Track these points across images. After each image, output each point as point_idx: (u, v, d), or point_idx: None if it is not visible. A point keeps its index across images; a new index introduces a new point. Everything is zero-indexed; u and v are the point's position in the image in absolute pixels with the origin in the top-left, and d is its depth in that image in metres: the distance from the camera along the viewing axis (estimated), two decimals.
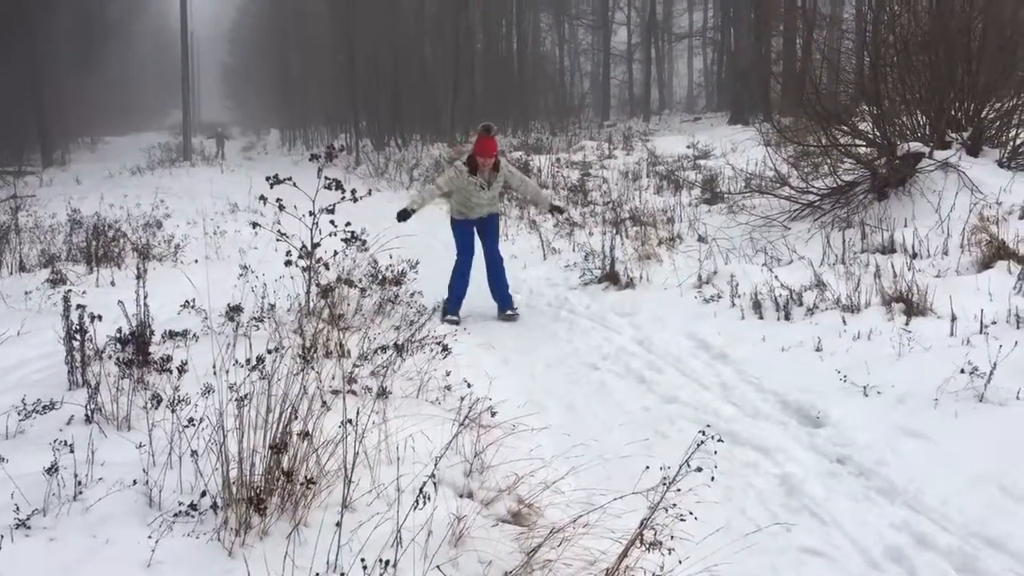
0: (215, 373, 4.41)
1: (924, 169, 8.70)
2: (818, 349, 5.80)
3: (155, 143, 42.54)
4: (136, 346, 5.04)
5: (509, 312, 7.72)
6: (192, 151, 36.22)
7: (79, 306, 4.79)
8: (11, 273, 9.38)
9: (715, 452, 3.29)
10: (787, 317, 6.55)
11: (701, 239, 9.35)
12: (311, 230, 6.09)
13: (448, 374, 5.18)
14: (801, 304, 6.63)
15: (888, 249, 7.63)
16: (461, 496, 3.87)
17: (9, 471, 3.36)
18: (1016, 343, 5.11)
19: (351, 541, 3.11)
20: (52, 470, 3.28)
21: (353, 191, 6.05)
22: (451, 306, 7.57)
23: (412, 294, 6.78)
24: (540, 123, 30.09)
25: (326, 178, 5.85)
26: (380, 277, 6.99)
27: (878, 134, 9.53)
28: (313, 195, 5.81)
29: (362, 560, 2.50)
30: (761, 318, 6.66)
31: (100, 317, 4.75)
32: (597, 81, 43.33)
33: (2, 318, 7.17)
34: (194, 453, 3.42)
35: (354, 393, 4.67)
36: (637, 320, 7.10)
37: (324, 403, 3.88)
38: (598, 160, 17.10)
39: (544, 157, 17.62)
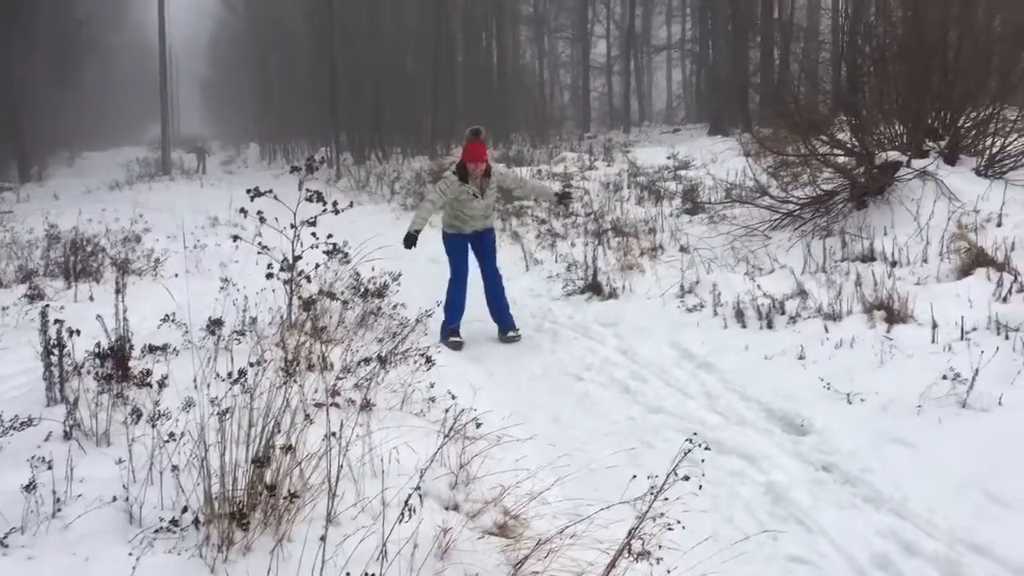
0: (196, 387, 4.37)
1: (902, 178, 8.76)
2: (801, 357, 5.81)
3: (134, 158, 42.29)
4: (115, 361, 4.98)
5: (511, 334, 7.28)
6: (171, 165, 36.02)
7: (57, 321, 4.73)
8: None
9: (702, 460, 3.29)
10: (770, 326, 6.57)
11: (683, 249, 9.37)
12: (292, 243, 6.05)
13: (432, 386, 5.15)
14: (783, 313, 6.65)
15: (868, 257, 7.67)
16: (447, 508, 3.83)
17: None
18: (997, 349, 5.15)
19: (336, 556, 3.07)
20: (30, 487, 3.23)
21: (335, 203, 6.02)
22: (450, 324, 7.21)
23: (395, 306, 6.75)
24: (521, 135, 30.13)
25: (307, 190, 5.82)
26: (362, 289, 6.94)
27: (856, 144, 9.59)
28: (294, 208, 5.78)
29: (347, 574, 2.47)
30: (744, 327, 6.68)
31: (79, 332, 4.69)
32: (577, 93, 43.49)
33: None
34: (175, 468, 3.37)
35: (337, 406, 4.63)
36: (620, 330, 7.10)
37: (307, 416, 3.84)
38: (579, 171, 17.13)
39: (525, 169, 17.63)
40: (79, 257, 9.84)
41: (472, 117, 31.95)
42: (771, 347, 6.06)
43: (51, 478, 3.35)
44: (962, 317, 5.80)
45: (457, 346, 7.00)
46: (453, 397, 5.02)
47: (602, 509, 3.20)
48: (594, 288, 8.36)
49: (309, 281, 6.36)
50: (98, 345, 5.05)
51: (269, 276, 6.08)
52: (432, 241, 12.56)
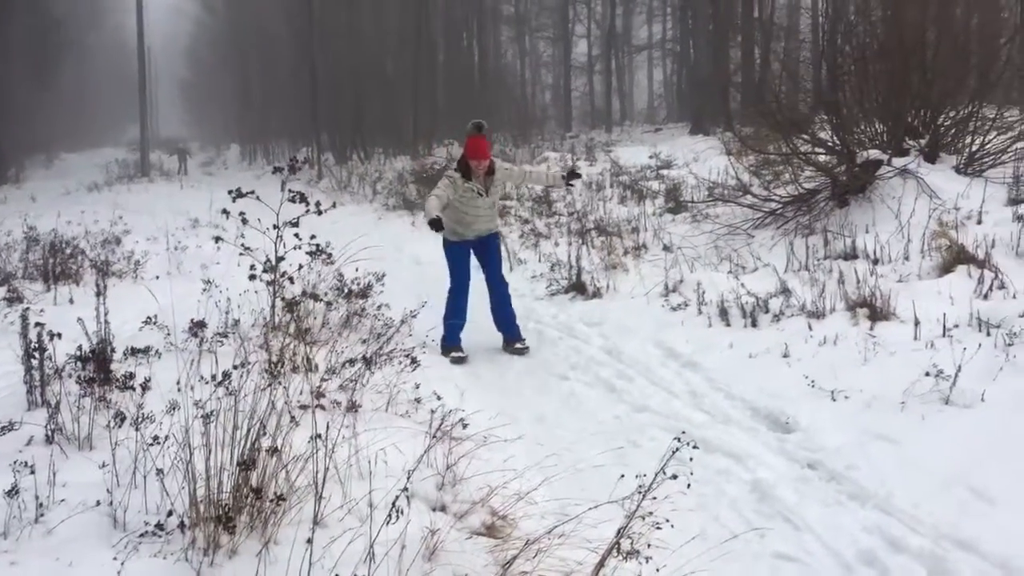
0: (179, 390, 4.34)
1: (883, 176, 8.82)
2: (785, 355, 5.83)
3: (112, 159, 41.94)
4: (97, 364, 4.94)
5: (519, 345, 6.84)
6: (151, 167, 35.77)
7: (37, 324, 4.68)
8: None
9: (691, 459, 3.28)
10: (754, 324, 6.58)
11: (666, 248, 9.39)
12: (275, 244, 6.02)
13: (418, 387, 5.14)
14: (767, 311, 6.67)
15: (850, 255, 7.70)
16: (434, 509, 3.82)
17: None
18: (980, 346, 5.18)
19: (323, 558, 3.06)
20: (12, 492, 3.19)
21: (318, 204, 5.99)
22: (451, 339, 6.81)
23: (379, 307, 6.71)
24: (503, 135, 30.13)
25: (290, 191, 5.79)
26: (346, 290, 6.91)
27: (838, 142, 9.65)
28: (277, 208, 5.75)
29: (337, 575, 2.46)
30: (728, 325, 6.69)
31: (59, 335, 4.65)
32: (559, 93, 43.50)
33: None
34: (159, 472, 3.34)
35: (322, 407, 4.61)
36: (605, 329, 7.10)
37: (293, 418, 3.82)
38: (562, 171, 17.13)
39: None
40: (58, 259, 9.75)
41: (454, 117, 31.94)
42: (755, 345, 6.08)
43: (34, 483, 3.32)
44: (944, 314, 5.84)
45: (460, 361, 6.66)
46: (439, 398, 5.02)
47: (590, 508, 3.20)
48: (578, 287, 8.36)
49: (292, 282, 6.33)
50: (79, 348, 5.01)
51: (252, 277, 6.04)
52: (414, 241, 12.60)
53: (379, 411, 4.85)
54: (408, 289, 8.23)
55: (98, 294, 5.29)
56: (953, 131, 9.59)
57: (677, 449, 2.79)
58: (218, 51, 51.99)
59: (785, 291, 6.93)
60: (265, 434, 3.43)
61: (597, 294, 8.17)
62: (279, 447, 3.38)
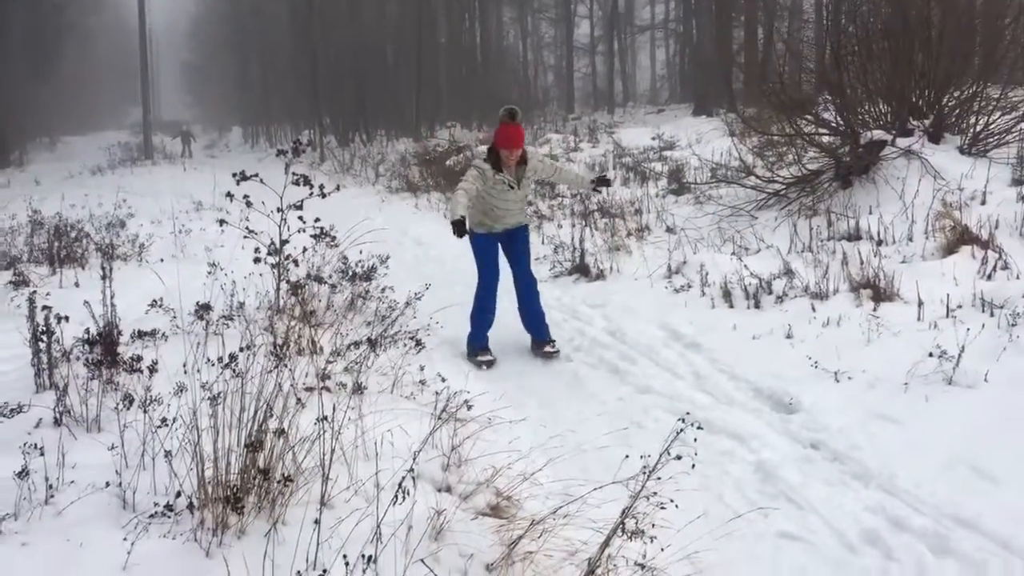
0: (186, 372, 4.37)
1: (887, 156, 8.80)
2: (789, 336, 5.85)
3: (115, 142, 41.93)
4: (104, 347, 4.97)
5: (549, 348, 6.28)
6: (153, 149, 35.73)
7: (44, 307, 4.70)
8: None
9: (695, 440, 3.31)
10: (757, 305, 6.59)
11: (669, 230, 9.39)
12: (279, 227, 6.04)
13: (422, 369, 5.16)
14: (770, 292, 6.67)
15: (854, 236, 7.70)
16: (440, 490, 3.85)
17: None
18: (983, 326, 5.20)
19: (330, 538, 3.09)
20: (22, 474, 3.22)
21: (321, 187, 6.02)
22: (478, 340, 6.30)
23: (383, 289, 6.73)
24: None
25: (293, 174, 5.81)
26: (350, 273, 6.93)
27: (841, 123, 9.62)
28: (280, 191, 5.77)
29: (344, 556, 2.48)
30: (731, 307, 6.71)
31: (67, 318, 4.67)
32: (561, 74, 43.34)
33: None
34: (168, 453, 3.37)
35: (328, 390, 4.64)
36: (608, 311, 7.11)
37: (299, 400, 3.85)
38: (564, 153, 17.11)
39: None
40: (63, 243, 9.77)
41: (456, 98, 31.89)
42: (759, 326, 6.09)
43: (43, 464, 3.35)
44: (947, 295, 5.85)
45: (489, 365, 6.14)
46: (443, 380, 5.04)
47: (595, 489, 3.23)
48: (581, 270, 8.36)
49: (297, 265, 6.36)
50: (86, 331, 5.04)
51: (257, 260, 6.07)
52: (417, 223, 12.60)
53: (384, 393, 4.88)
54: (412, 271, 8.26)
55: (103, 277, 5.31)
56: (957, 111, 9.55)
57: (681, 430, 2.82)
58: (220, 33, 51.83)
59: (788, 272, 6.94)
60: (272, 416, 3.45)
61: (600, 276, 8.18)
62: (286, 429, 3.41)
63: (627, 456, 3.30)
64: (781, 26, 19.93)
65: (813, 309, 6.19)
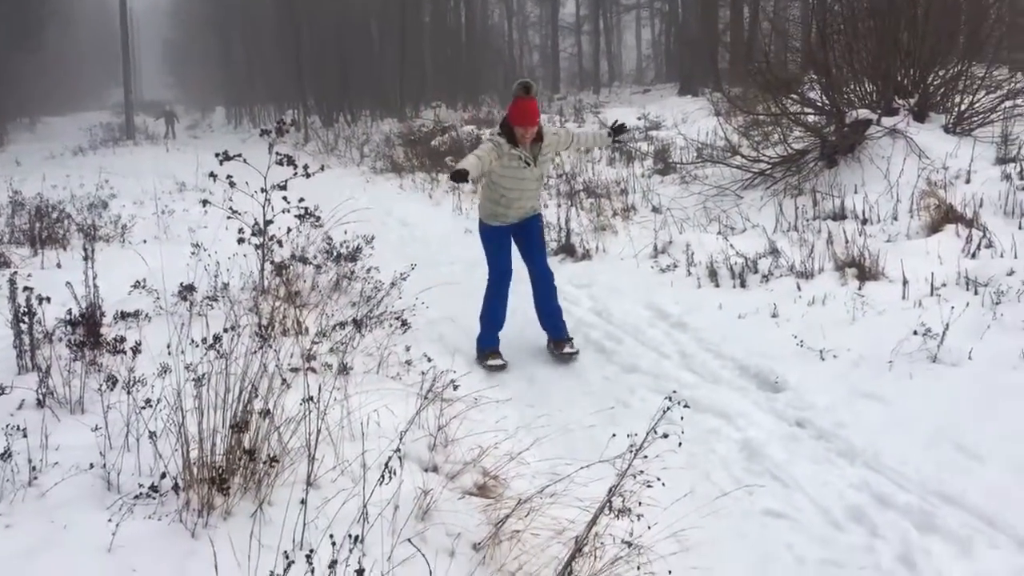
0: (170, 353, 4.34)
1: (872, 136, 8.80)
2: (774, 315, 5.86)
3: (96, 122, 41.54)
4: (87, 328, 4.93)
5: (568, 349, 5.81)
6: (135, 130, 35.43)
7: (26, 288, 4.66)
8: None
9: (681, 418, 3.31)
10: (743, 284, 6.60)
11: (655, 209, 9.38)
12: (263, 207, 5.99)
13: (408, 349, 5.14)
14: (756, 271, 6.68)
15: (839, 215, 7.71)
16: (426, 470, 3.85)
17: None
18: (968, 304, 5.22)
19: (317, 518, 3.08)
20: (5, 455, 3.20)
21: (305, 167, 5.97)
22: (488, 341, 5.83)
23: (368, 270, 6.70)
24: (490, 97, 29.93)
25: (277, 153, 5.76)
26: (335, 253, 6.89)
27: (827, 102, 9.61)
28: (264, 171, 5.72)
29: (331, 536, 2.47)
30: (717, 286, 6.71)
31: (48, 299, 4.63)
32: (546, 54, 43.18)
33: None
34: (152, 435, 3.35)
35: (313, 370, 4.62)
36: (594, 291, 7.10)
37: (284, 381, 3.82)
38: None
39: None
40: (45, 223, 9.68)
41: (440, 78, 31.71)
42: (744, 306, 6.10)
43: (26, 446, 3.32)
44: (932, 273, 5.87)
45: (500, 369, 5.67)
46: (429, 360, 5.03)
47: (582, 468, 3.23)
48: (567, 249, 8.35)
49: (281, 245, 6.32)
50: (69, 312, 4.99)
51: (241, 241, 6.03)
52: (402, 203, 12.55)
53: (370, 373, 4.87)
54: (397, 252, 8.23)
55: (86, 258, 5.27)
56: (942, 90, 9.56)
57: (668, 408, 2.81)
58: (202, 12, 51.30)
59: (774, 251, 6.94)
60: (257, 397, 3.43)
61: (586, 256, 8.17)
62: (271, 409, 3.39)
63: (614, 435, 3.30)
64: (767, 5, 19.89)
65: (798, 288, 6.20)
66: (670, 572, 2.95)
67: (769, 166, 9.56)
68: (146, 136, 34.65)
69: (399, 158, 17.03)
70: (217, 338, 3.81)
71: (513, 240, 5.98)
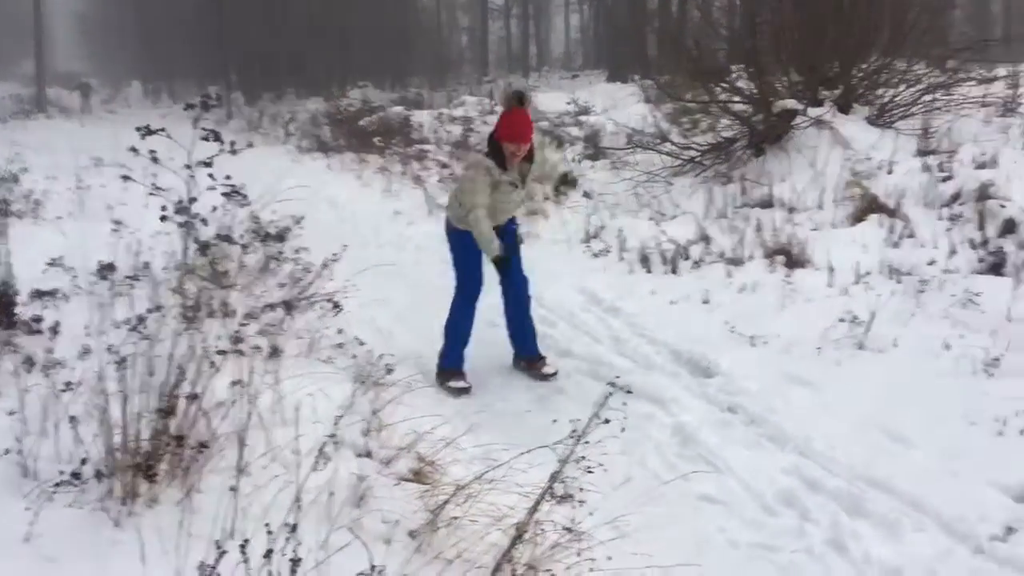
0: (90, 334, 4.16)
1: (799, 126, 8.97)
2: (706, 301, 5.92)
3: (5, 94, 39.83)
4: (0, 306, 4.70)
5: (546, 369, 5.19)
6: (48, 102, 34.09)
7: None
8: None
9: (624, 404, 3.28)
10: (674, 271, 6.66)
11: (586, 195, 9.39)
12: (187, 184, 5.79)
13: (340, 332, 5.04)
14: (687, 258, 6.74)
15: (767, 203, 7.83)
16: (360, 456, 3.76)
17: None
18: (893, 293, 5.34)
19: (249, 505, 2.98)
20: None
21: (232, 143, 5.76)
22: (452, 361, 5.18)
23: (297, 250, 6.53)
24: (419, 78, 29.64)
25: (203, 129, 5.56)
26: (263, 233, 6.70)
27: (755, 91, 9.75)
28: (189, 147, 5.52)
29: (267, 525, 2.38)
30: (649, 272, 6.75)
31: None
32: (475, 36, 42.90)
33: None
34: (72, 419, 3.19)
35: (242, 353, 4.47)
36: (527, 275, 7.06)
37: (212, 364, 3.69)
38: (479, 116, 16.93)
39: (425, 112, 17.33)
40: None
41: (367, 58, 31.25)
42: (676, 291, 6.15)
43: None
44: (857, 262, 6.00)
45: (463, 392, 5.02)
46: (361, 343, 4.93)
47: (522, 453, 3.19)
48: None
49: (206, 224, 6.11)
50: None
51: (164, 219, 5.81)
52: (330, 183, 12.32)
53: (300, 357, 4.74)
54: (326, 233, 8.03)
55: None
56: (866, 83, 9.78)
57: (611, 394, 2.79)
58: None
59: (705, 238, 7.02)
60: (184, 380, 3.30)
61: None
62: (199, 394, 3.27)
63: (555, 421, 3.27)
64: None
65: (729, 275, 6.27)
66: (609, 558, 2.94)
67: (699, 154, 9.66)
68: (60, 109, 33.36)
69: (326, 137, 16.73)
70: (141, 319, 3.66)
71: None
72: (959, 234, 6.30)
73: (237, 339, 4.56)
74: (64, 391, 3.36)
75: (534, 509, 2.74)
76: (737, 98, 9.92)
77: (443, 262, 7.74)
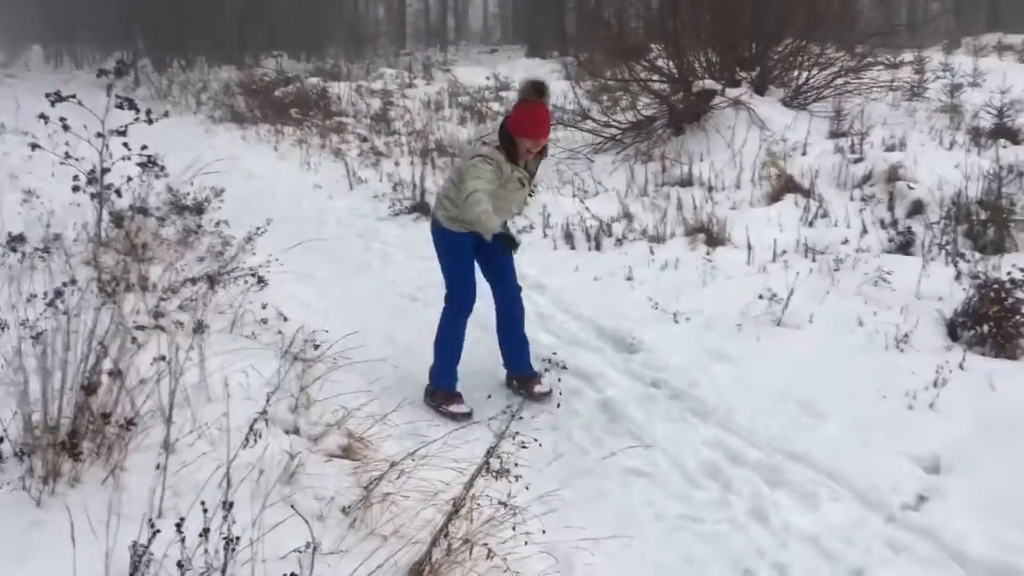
0: None
1: (717, 106, 9.13)
2: (629, 278, 5.99)
3: None
4: None
5: (540, 388, 4.55)
6: None
7: None
8: None
9: (559, 380, 3.33)
10: (598, 247, 6.72)
11: None
12: (101, 153, 5.59)
13: (264, 307, 4.95)
14: (611, 235, 6.81)
15: (687, 182, 7.96)
16: (288, 432, 3.71)
17: None
18: (810, 271, 5.50)
19: (176, 484, 2.92)
20: None
21: (148, 112, 5.60)
22: (445, 380, 4.59)
23: (217, 223, 6.38)
24: (335, 49, 29.10)
25: (117, 96, 5.38)
26: (179, 205, 6.53)
27: (674, 71, 9.87)
28: (102, 115, 5.33)
29: (203, 503, 2.34)
30: (573, 248, 6.80)
31: None
32: (392, 8, 42.30)
33: None
34: None
35: (162, 328, 4.36)
36: None
37: (135, 340, 3.60)
38: (399, 89, 16.75)
39: (344, 84, 17.04)
40: None
41: (283, 27, 30.54)
42: (600, 268, 6.21)
43: None
44: (774, 240, 6.15)
45: (466, 417, 4.32)
46: (285, 319, 4.87)
47: (455, 429, 3.20)
48: (422, 208, 8.25)
49: (120, 195, 5.93)
50: None
51: (76, 189, 5.61)
52: (246, 155, 12.04)
53: (223, 332, 4.65)
54: (244, 206, 7.85)
55: None
56: (781, 65, 10.01)
57: (547, 369, 2.82)
58: None
59: (627, 216, 7.10)
60: (106, 356, 3.20)
61: None
62: (122, 370, 3.18)
63: (489, 396, 3.29)
64: None
65: (652, 252, 6.36)
66: (544, 531, 2.98)
67: (619, 132, 9.75)
68: None
69: (240, 108, 16.33)
70: (59, 293, 3.54)
71: (474, 249, 4.64)
72: (870, 214, 6.52)
73: (158, 314, 4.46)
74: None
75: (470, 484, 2.75)
76: (657, 77, 10.04)
77: (360, 237, 7.71)
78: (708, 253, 6.19)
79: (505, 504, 2.83)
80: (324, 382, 4.15)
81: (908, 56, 11.60)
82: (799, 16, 10.02)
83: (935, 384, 4.22)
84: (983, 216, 6.01)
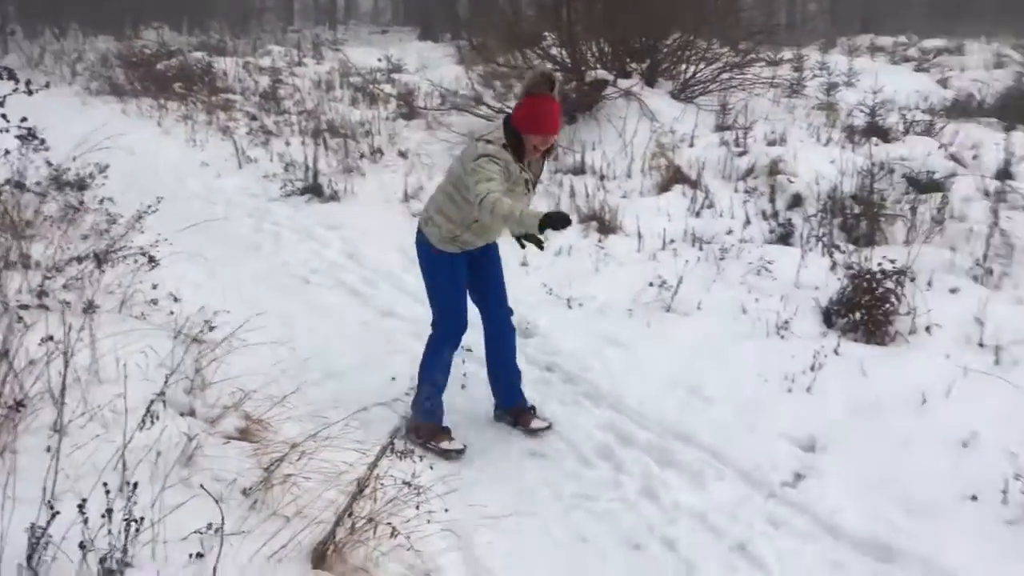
0: None
1: (609, 96, 9.31)
2: (524, 264, 6.09)
3: None
4: None
5: (537, 423, 4.23)
6: None
7: None
8: None
9: (463, 362, 3.38)
10: None
11: (402, 154, 9.36)
12: None
13: (155, 287, 4.82)
14: None
15: (580, 170, 8.11)
16: (183, 414, 3.66)
17: None
18: (698, 259, 5.71)
19: (70, 466, 2.85)
20: None
21: (28, 82, 5.36)
22: (432, 416, 4.05)
23: (101, 200, 6.16)
24: (218, 23, 28.23)
25: None
26: (61, 181, 6.27)
27: (568, 59, 10.01)
28: None
29: (104, 484, 2.31)
30: None
31: None
32: None
33: None
34: None
35: (47, 308, 4.21)
36: (345, 233, 7.01)
37: (21, 319, 3.48)
38: (288, 67, 16.41)
39: (230, 60, 16.57)
40: None
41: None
42: None
43: None
44: (664, 229, 6.35)
45: (458, 455, 3.98)
46: (176, 300, 4.77)
47: (358, 411, 3.22)
48: (314, 190, 8.15)
49: None
50: None
51: None
52: (127, 129, 11.58)
53: (112, 313, 4.52)
54: (128, 182, 7.59)
55: None
56: (670, 58, 10.27)
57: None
58: None
59: None
60: None
61: (335, 197, 8.02)
62: (9, 350, 3.08)
63: (393, 378, 3.32)
64: None
65: (546, 238, 6.45)
66: (446, 510, 3.04)
67: None
68: None
69: (119, 80, 15.69)
70: None
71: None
72: (753, 206, 6.79)
73: (42, 292, 4.31)
74: None
75: (375, 464, 2.78)
76: (550, 65, 10.15)
77: (251, 217, 7.57)
78: (600, 241, 6.35)
79: (409, 484, 2.87)
80: (219, 364, 4.10)
81: (788, 54, 12.09)
82: (686, 12, 10.31)
83: (812, 368, 4.46)
84: (856, 210, 6.35)
